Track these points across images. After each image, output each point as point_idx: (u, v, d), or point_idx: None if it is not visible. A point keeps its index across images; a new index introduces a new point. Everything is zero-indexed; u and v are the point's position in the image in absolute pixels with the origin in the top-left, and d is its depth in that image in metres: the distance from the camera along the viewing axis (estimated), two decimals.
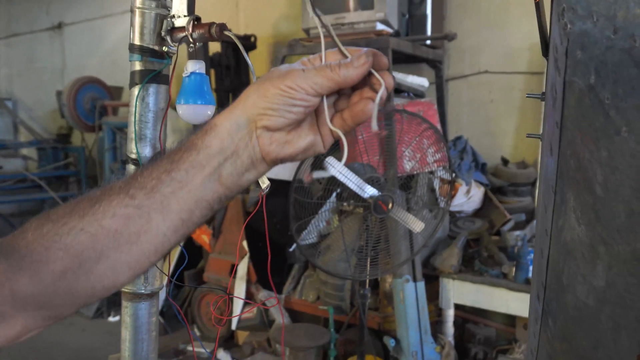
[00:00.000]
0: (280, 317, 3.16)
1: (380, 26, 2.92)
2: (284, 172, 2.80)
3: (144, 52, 0.96)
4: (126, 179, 0.57)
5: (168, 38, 0.96)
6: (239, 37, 0.98)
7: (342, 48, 0.60)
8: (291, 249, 3.23)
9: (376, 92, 0.58)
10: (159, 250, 0.58)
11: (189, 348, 3.28)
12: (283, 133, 0.59)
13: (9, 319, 0.53)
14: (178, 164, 0.57)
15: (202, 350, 3.25)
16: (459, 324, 2.96)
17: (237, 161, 0.58)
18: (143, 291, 1.02)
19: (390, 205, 2.23)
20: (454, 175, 2.63)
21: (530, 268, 2.61)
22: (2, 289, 0.52)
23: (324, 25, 0.60)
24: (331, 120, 0.60)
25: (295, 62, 0.61)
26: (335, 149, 1.93)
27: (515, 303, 2.61)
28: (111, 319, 3.95)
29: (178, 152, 0.57)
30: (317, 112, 0.61)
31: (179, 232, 0.58)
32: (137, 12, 0.95)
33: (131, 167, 1.01)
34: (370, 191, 2.20)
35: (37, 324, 0.55)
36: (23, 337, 0.56)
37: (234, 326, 3.39)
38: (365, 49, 0.59)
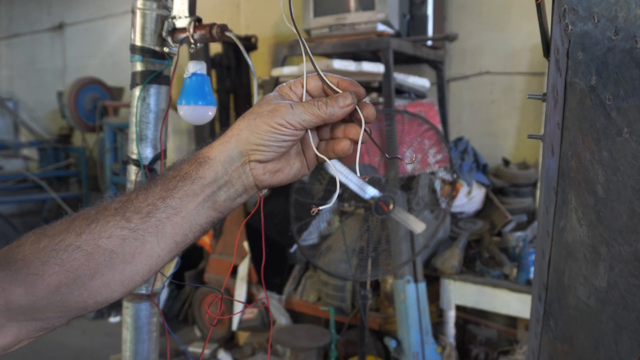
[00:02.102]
0: (280, 317, 3.16)
1: (381, 27, 2.92)
2: None
3: (145, 52, 0.96)
4: (121, 200, 0.60)
5: (169, 39, 0.96)
6: (239, 38, 0.98)
7: (329, 83, 0.64)
8: (292, 250, 3.23)
9: (359, 126, 0.64)
10: (153, 270, 0.61)
11: (191, 349, 3.28)
12: (274, 162, 0.64)
13: (1, 328, 0.55)
14: (172, 192, 0.60)
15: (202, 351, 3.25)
16: (460, 325, 2.96)
17: (230, 189, 0.62)
18: (144, 292, 1.02)
19: (391, 206, 2.23)
20: (455, 176, 2.63)
21: (532, 269, 2.60)
22: None
23: (314, 66, 0.64)
24: (316, 149, 0.66)
25: (277, 88, 0.65)
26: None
27: (516, 304, 2.60)
28: (112, 319, 3.95)
29: (172, 181, 0.61)
30: (302, 139, 0.66)
31: (173, 252, 0.61)
32: (138, 13, 0.95)
33: (132, 168, 1.01)
34: (371, 192, 2.20)
35: (28, 334, 0.57)
36: (15, 347, 0.57)
37: (234, 327, 3.39)
38: (346, 78, 0.64)
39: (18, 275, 0.54)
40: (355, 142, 0.64)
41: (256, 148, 0.61)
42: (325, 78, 0.64)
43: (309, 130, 0.64)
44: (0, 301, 0.53)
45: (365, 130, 0.63)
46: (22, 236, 0.59)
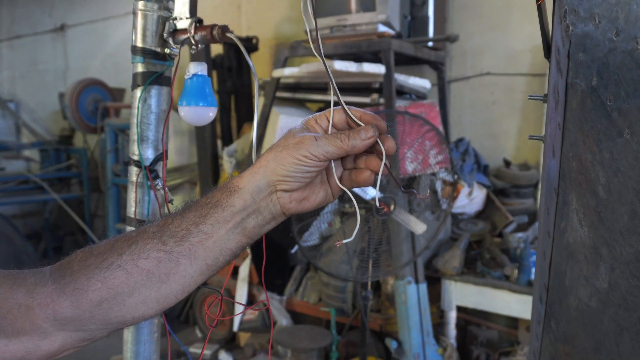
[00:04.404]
0: (281, 318, 3.16)
1: (382, 28, 2.92)
2: None
3: (146, 54, 0.96)
4: (159, 225, 0.66)
5: (170, 40, 0.96)
6: (240, 39, 0.98)
7: (352, 116, 0.67)
8: (293, 251, 3.23)
9: (380, 159, 0.67)
10: (186, 290, 0.66)
11: (191, 350, 3.28)
12: (300, 191, 0.67)
13: (49, 336, 0.61)
14: (205, 219, 0.65)
15: (205, 352, 3.25)
16: (461, 326, 2.96)
17: (259, 217, 0.66)
18: None
19: (392, 207, 2.23)
20: (456, 177, 2.63)
21: (533, 270, 2.60)
22: (46, 308, 0.60)
23: (339, 101, 0.68)
24: (340, 178, 0.70)
25: (304, 121, 0.69)
26: None
27: (517, 305, 2.60)
28: None
29: (205, 207, 0.65)
30: (326, 168, 0.69)
31: (205, 274, 0.66)
32: (140, 14, 0.95)
33: (133, 169, 1.01)
34: (372, 192, 2.20)
35: (73, 343, 0.63)
36: (61, 354, 0.64)
37: (235, 328, 3.39)
38: (369, 112, 0.67)
39: (66, 289, 0.61)
40: (376, 173, 0.67)
41: (282, 179, 0.65)
42: (349, 112, 0.67)
43: (332, 161, 0.68)
44: (49, 311, 0.60)
45: (384, 163, 0.66)
46: (73, 253, 0.65)
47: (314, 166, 0.65)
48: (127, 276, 0.62)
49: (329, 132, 0.69)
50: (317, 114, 0.70)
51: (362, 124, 0.67)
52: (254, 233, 0.67)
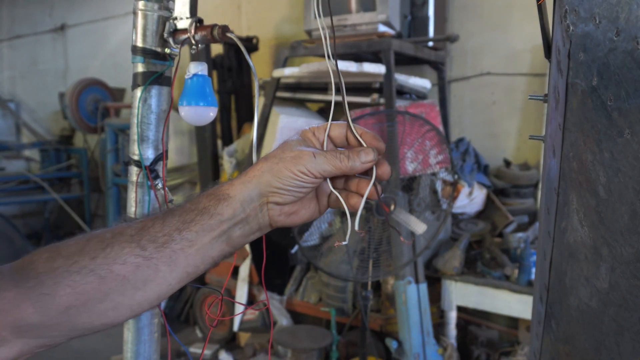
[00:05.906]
0: (282, 318, 3.16)
1: (382, 28, 2.92)
2: None
3: (146, 54, 0.96)
4: (137, 227, 0.61)
5: (170, 40, 0.96)
6: (241, 39, 0.98)
7: (357, 135, 0.67)
8: (293, 251, 3.23)
9: (370, 180, 0.66)
10: (162, 297, 0.62)
11: (192, 350, 3.28)
12: (290, 205, 0.66)
13: (7, 343, 0.56)
14: (189, 225, 0.61)
15: (205, 352, 3.24)
16: (461, 326, 2.96)
17: (245, 227, 0.64)
18: None
19: (392, 207, 2.23)
20: (456, 176, 2.63)
21: (533, 270, 2.60)
22: (7, 315, 0.54)
23: (347, 116, 0.67)
24: (330, 194, 0.69)
25: (300, 132, 0.68)
26: None
27: (517, 305, 2.60)
28: None
29: (190, 214, 0.62)
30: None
31: (183, 282, 0.63)
32: (140, 14, 0.95)
33: (133, 169, 1.01)
34: None
35: (31, 350, 0.58)
36: None
37: (236, 328, 3.39)
38: (369, 132, 0.67)
39: (31, 294, 0.55)
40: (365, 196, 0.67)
41: (276, 191, 0.64)
42: (354, 130, 0.67)
43: (328, 180, 0.68)
44: (10, 318, 0.55)
45: (377, 190, 0.66)
46: (34, 251, 0.59)
47: (309, 182, 0.64)
48: (100, 282, 0.57)
49: (324, 146, 0.68)
50: (315, 126, 0.69)
51: (364, 144, 0.66)
52: (237, 242, 0.65)
